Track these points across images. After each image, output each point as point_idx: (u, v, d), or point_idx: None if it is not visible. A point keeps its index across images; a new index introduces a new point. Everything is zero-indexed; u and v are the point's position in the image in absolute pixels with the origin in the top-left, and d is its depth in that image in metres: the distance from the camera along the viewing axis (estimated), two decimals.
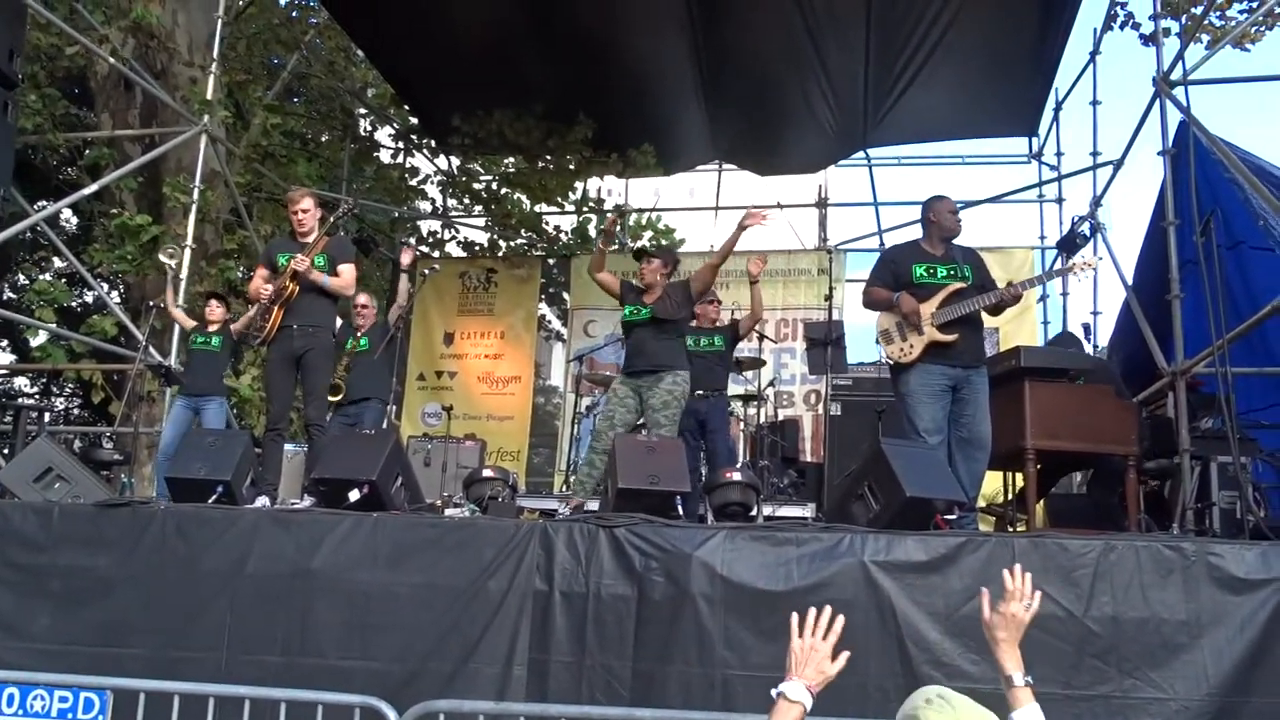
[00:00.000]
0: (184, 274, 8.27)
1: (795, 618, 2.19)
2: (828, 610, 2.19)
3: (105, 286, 10.42)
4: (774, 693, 2.12)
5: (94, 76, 10.75)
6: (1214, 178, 6.51)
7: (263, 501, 5.23)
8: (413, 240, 12.12)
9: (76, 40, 8.76)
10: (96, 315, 9.25)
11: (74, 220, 14.67)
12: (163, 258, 7.66)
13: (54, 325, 9.05)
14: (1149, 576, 3.80)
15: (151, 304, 7.92)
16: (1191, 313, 5.99)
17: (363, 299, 7.52)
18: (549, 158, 10.91)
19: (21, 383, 17.49)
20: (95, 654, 4.13)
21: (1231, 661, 3.65)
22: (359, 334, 7.34)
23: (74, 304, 14.43)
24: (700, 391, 6.64)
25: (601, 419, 5.94)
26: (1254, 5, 9.34)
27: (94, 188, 8.80)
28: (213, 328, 7.32)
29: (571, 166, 10.94)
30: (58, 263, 13.83)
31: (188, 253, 8.39)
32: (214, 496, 4.83)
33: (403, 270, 7.21)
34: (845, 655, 2.18)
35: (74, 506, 4.73)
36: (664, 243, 13.41)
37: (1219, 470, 5.47)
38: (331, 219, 5.96)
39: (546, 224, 11.99)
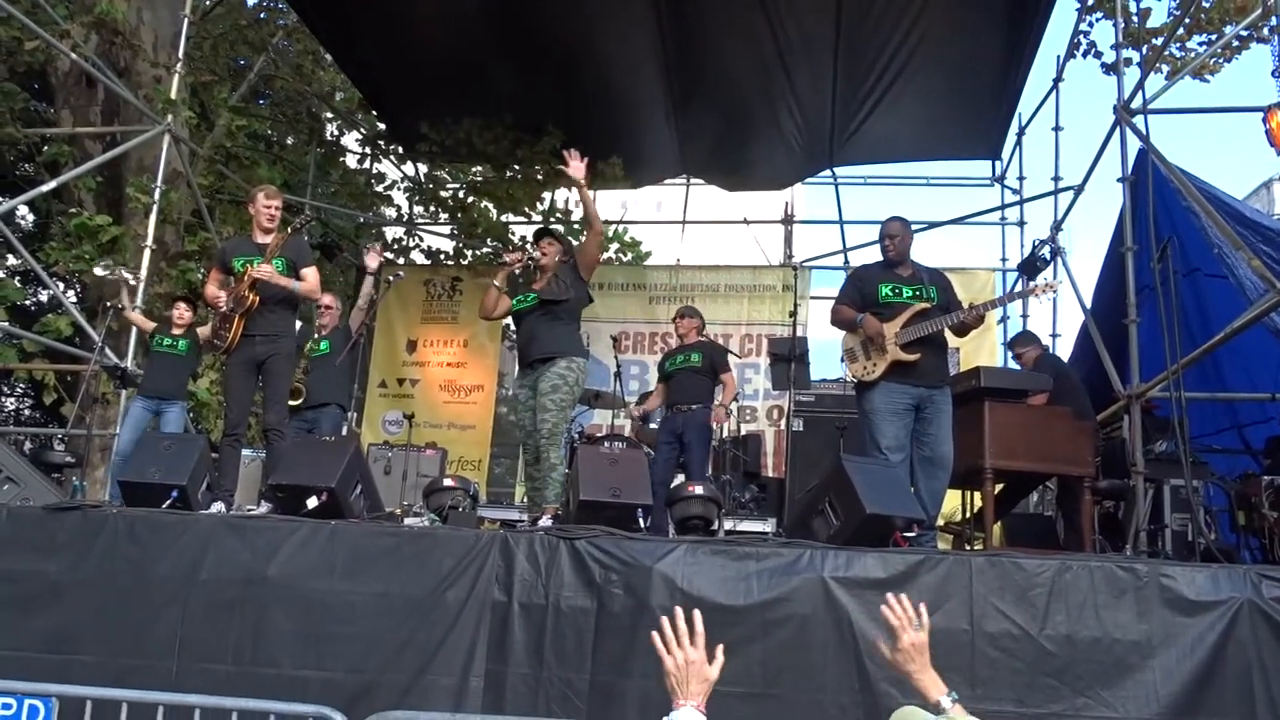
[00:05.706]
0: (143, 275, 8.15)
1: (655, 637, 2.01)
2: (679, 613, 2.03)
3: (61, 285, 10.22)
4: None
5: (54, 72, 10.60)
6: (1172, 205, 6.63)
7: (218, 507, 5.14)
8: (378, 245, 12.04)
9: (38, 35, 8.62)
10: (51, 314, 9.07)
11: (30, 217, 14.41)
12: (123, 274, 7.56)
13: (6, 323, 8.87)
14: (1103, 597, 3.85)
15: (109, 305, 7.79)
16: (1148, 337, 6.10)
17: (327, 299, 7.43)
18: (517, 167, 10.89)
19: None
20: (43, 661, 4.05)
21: (1181, 682, 3.70)
22: (321, 335, 7.25)
23: (28, 302, 14.17)
24: (679, 405, 6.71)
25: (520, 431, 5.76)
26: (1213, 38, 9.54)
27: (52, 185, 8.67)
28: (179, 330, 7.21)
29: (539, 177, 10.93)
30: (11, 260, 13.57)
31: (147, 253, 8.28)
32: (168, 501, 4.76)
33: (369, 273, 7.11)
34: (720, 649, 2.01)
35: (23, 509, 4.65)
36: (630, 256, 13.40)
37: (1172, 493, 5.58)
38: (290, 227, 5.82)
39: (513, 234, 11.95)
